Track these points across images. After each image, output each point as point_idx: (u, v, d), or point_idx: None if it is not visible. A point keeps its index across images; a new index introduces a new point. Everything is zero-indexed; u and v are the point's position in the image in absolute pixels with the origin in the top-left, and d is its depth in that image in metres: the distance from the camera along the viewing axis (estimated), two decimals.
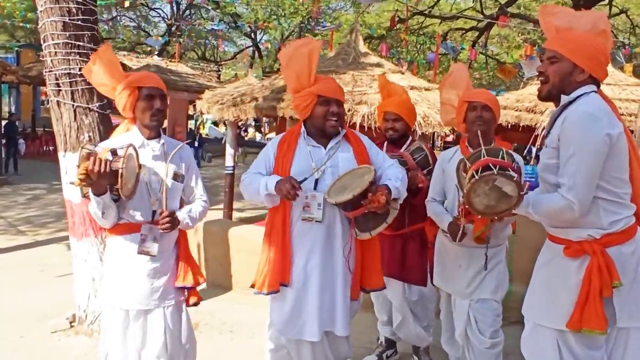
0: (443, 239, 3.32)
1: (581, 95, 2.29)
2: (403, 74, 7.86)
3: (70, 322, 4.53)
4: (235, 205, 9.01)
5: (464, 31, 18.73)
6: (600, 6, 14.94)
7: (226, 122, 7.81)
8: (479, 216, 2.27)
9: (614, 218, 2.26)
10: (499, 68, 14.12)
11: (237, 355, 4.20)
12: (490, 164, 2.23)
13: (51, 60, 4.24)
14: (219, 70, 29.67)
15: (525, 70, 11.51)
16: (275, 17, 25.83)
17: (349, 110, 6.43)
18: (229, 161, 8.13)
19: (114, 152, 2.56)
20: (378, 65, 7.74)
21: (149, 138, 2.85)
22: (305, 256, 2.84)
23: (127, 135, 2.86)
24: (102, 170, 2.47)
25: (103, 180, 2.53)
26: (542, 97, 2.40)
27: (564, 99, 2.31)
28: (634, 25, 17.39)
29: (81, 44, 4.26)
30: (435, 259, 3.45)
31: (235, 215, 8.78)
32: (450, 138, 8.38)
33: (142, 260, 2.79)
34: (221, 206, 8.62)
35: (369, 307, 4.09)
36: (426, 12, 16.86)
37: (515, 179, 2.18)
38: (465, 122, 3.23)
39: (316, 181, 2.85)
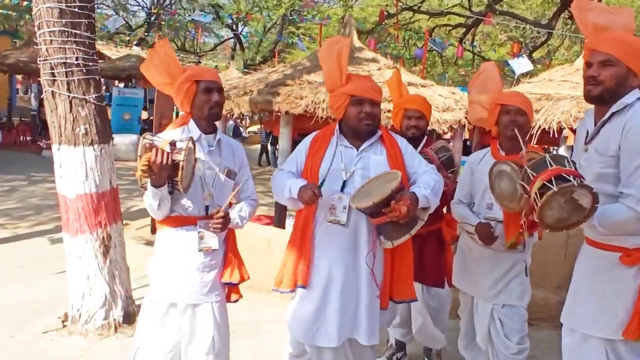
0: (468, 240, 3.25)
1: (634, 101, 2.25)
2: (398, 69, 7.79)
3: (63, 322, 4.36)
4: None
5: (450, 28, 18.76)
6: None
7: None
8: (547, 230, 2.14)
9: None
10: None
11: (240, 356, 4.09)
12: (563, 174, 2.10)
13: (46, 49, 4.05)
14: (199, 62, 29.35)
15: (515, 68, 11.54)
16: (257, 8, 25.56)
17: None
18: None
19: (172, 144, 2.54)
20: (373, 60, 7.66)
21: (205, 132, 2.82)
22: (329, 259, 2.77)
23: (183, 129, 2.83)
24: (165, 162, 2.45)
25: (164, 172, 2.51)
26: (592, 97, 2.32)
27: (618, 104, 2.26)
28: None
29: (78, 32, 4.08)
30: (457, 260, 3.39)
31: None
32: (448, 136, 8.32)
33: (193, 253, 2.77)
34: None
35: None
36: (415, 7, 16.81)
37: (593, 190, 2.06)
38: (498, 124, 3.15)
39: (344, 183, 2.76)
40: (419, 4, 17.02)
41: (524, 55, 11.75)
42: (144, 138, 2.55)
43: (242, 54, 31.25)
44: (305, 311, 2.79)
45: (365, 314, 2.76)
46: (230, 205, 2.85)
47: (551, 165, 2.13)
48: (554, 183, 2.06)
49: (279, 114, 6.48)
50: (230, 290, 2.94)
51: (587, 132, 2.41)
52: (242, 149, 3.02)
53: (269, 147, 17.69)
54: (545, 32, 16.31)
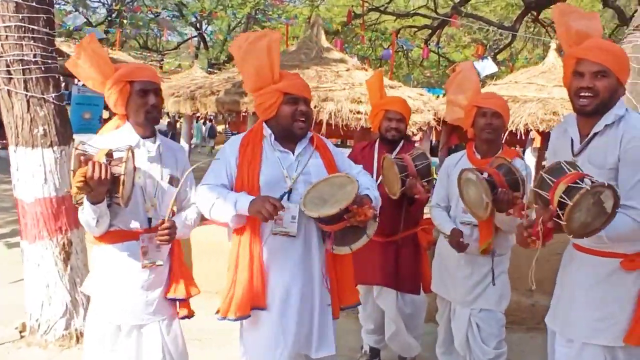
0: (445, 244, 3.20)
1: (625, 112, 2.25)
2: (367, 70, 7.77)
3: (20, 332, 4.15)
4: None
5: (416, 29, 18.87)
6: (551, 8, 15.35)
7: (170, 115, 7.49)
8: (570, 235, 2.06)
9: None
10: (451, 67, 14.26)
11: None
12: (586, 178, 2.03)
13: (1, 45, 3.83)
14: (162, 61, 28.79)
15: (479, 70, 11.66)
16: (222, 7, 25.25)
17: (315, 107, 6.27)
18: None
19: (109, 155, 2.29)
20: (342, 61, 7.62)
21: (144, 137, 2.58)
22: (283, 275, 2.55)
23: (119, 134, 2.57)
24: (103, 177, 2.20)
25: (102, 188, 2.26)
26: (588, 112, 2.25)
27: (610, 116, 2.24)
28: None
29: (36, 27, 3.87)
30: (435, 264, 3.34)
31: None
32: (417, 137, 8.35)
33: (136, 270, 2.54)
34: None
35: (351, 312, 3.93)
36: (381, 8, 16.84)
37: (617, 192, 2.00)
38: (474, 126, 3.10)
39: (289, 191, 2.56)
40: (385, 5, 17.06)
41: (489, 57, 11.91)
42: (76, 149, 2.28)
43: (207, 53, 30.84)
44: (264, 336, 2.56)
45: (319, 327, 2.60)
46: (173, 213, 2.64)
47: (569, 170, 2.07)
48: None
49: (245, 114, 6.38)
50: (180, 306, 2.72)
51: (572, 141, 2.37)
52: (184, 152, 2.77)
53: None
54: (509, 35, 16.57)
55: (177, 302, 2.72)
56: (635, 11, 8.37)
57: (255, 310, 2.53)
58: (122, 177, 2.25)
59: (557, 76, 8.66)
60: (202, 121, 21.43)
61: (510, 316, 4.47)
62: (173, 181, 2.63)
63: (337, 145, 7.83)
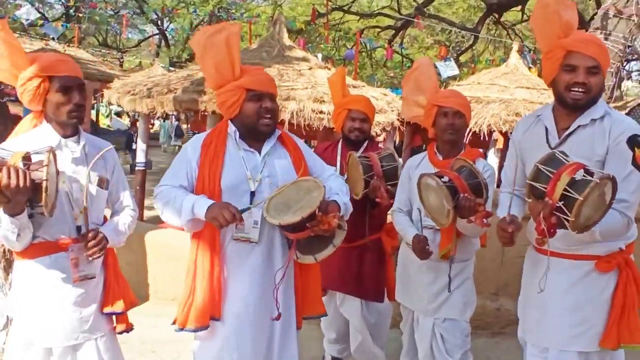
0: (407, 251, 3.05)
1: (608, 107, 2.25)
2: (329, 69, 7.64)
3: None
4: (147, 202, 8.39)
5: (379, 30, 18.86)
6: (512, 11, 15.60)
7: (129, 113, 7.24)
8: (574, 231, 1.94)
9: (633, 228, 2.26)
10: None
11: None
12: (584, 169, 1.93)
13: None
14: (122, 58, 28.13)
15: (441, 71, 11.70)
16: (184, 4, 24.78)
17: None
18: (140, 156, 7.54)
19: (26, 158, 2.02)
20: (304, 59, 7.45)
21: (65, 137, 2.32)
22: (242, 284, 2.40)
23: (37, 134, 2.30)
24: (22, 184, 1.93)
25: (22, 196, 1.98)
26: (579, 106, 2.22)
27: (596, 111, 2.22)
28: None
29: None
30: (398, 273, 3.19)
31: (147, 214, 8.19)
32: (381, 138, 8.26)
33: (67, 286, 2.31)
34: None
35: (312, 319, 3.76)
36: (345, 8, 16.76)
37: (617, 185, 1.92)
38: (435, 127, 2.97)
39: (252, 193, 2.40)
40: (349, 4, 17.00)
41: (452, 58, 11.95)
42: None
43: (168, 51, 30.28)
44: (216, 348, 2.41)
45: (281, 338, 2.46)
46: (105, 220, 2.45)
47: (566, 160, 1.96)
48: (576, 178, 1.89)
49: (205, 113, 6.16)
50: (118, 320, 2.50)
51: (547, 134, 2.32)
52: (112, 150, 2.49)
53: None
54: (471, 37, 16.71)
55: (114, 317, 2.50)
56: (595, 14, 8.53)
57: (212, 320, 2.38)
58: (44, 183, 1.99)
59: (519, 77, 8.73)
60: (169, 120, 20.97)
61: (475, 320, 4.37)
62: (103, 183, 2.41)
63: None
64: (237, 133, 2.45)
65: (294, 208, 2.25)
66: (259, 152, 2.45)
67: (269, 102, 2.41)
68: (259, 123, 2.40)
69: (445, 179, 2.54)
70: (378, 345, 3.46)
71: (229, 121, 2.49)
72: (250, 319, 2.40)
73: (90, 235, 2.25)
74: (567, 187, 1.87)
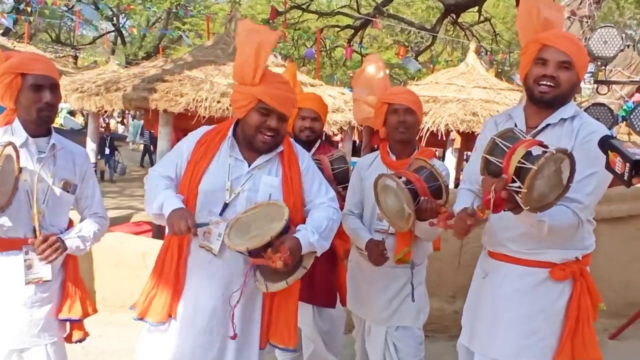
0: (358, 257, 2.92)
1: (579, 109, 2.20)
2: (293, 63, 7.51)
3: None
4: None
5: (339, 29, 18.82)
6: (469, 12, 15.78)
7: (83, 112, 6.99)
8: (526, 207, 1.81)
9: (592, 239, 2.19)
10: None
11: None
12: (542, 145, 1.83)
13: None
14: (76, 56, 27.36)
15: (409, 67, 11.73)
16: (140, 1, 24.24)
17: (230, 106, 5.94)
18: (90, 157, 7.26)
19: None
20: None
21: (34, 135, 2.28)
22: (197, 291, 2.30)
23: (7, 131, 2.26)
24: None
25: None
26: (546, 100, 2.14)
27: (566, 110, 2.15)
28: (496, 33, 18.66)
29: None
30: (348, 279, 3.05)
31: None
32: (338, 138, 8.18)
33: (18, 286, 2.23)
34: None
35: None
36: (304, 6, 16.65)
37: (575, 164, 1.82)
38: (386, 125, 2.86)
39: (225, 205, 2.27)
40: (308, 3, 16.88)
41: (412, 58, 12.01)
42: None
43: (124, 48, 29.60)
44: (164, 347, 2.32)
45: (234, 358, 2.33)
46: (71, 224, 2.36)
47: (524, 136, 1.86)
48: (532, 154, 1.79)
49: (156, 111, 5.96)
50: (73, 327, 2.42)
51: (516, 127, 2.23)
52: (85, 155, 2.48)
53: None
54: (429, 37, 16.84)
55: (68, 324, 2.40)
56: None
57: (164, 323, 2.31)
58: None
59: (476, 77, 8.81)
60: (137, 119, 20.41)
61: (432, 324, 4.32)
62: (68, 187, 2.35)
63: None
64: (231, 139, 2.34)
65: (250, 235, 2.13)
66: (250, 163, 2.33)
67: (275, 121, 2.26)
68: (256, 138, 2.28)
69: (404, 179, 2.43)
70: (332, 352, 3.33)
71: (235, 122, 2.40)
72: (197, 329, 2.29)
73: (41, 238, 2.18)
74: (521, 160, 1.78)
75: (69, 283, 2.37)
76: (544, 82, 2.11)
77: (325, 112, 3.32)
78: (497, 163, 1.84)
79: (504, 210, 1.86)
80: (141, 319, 2.33)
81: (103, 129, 14.35)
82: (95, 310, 2.46)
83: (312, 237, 2.19)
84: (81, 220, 2.46)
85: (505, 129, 1.95)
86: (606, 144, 1.72)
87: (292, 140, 2.48)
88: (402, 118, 2.77)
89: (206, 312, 2.28)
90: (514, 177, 1.78)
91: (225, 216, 2.25)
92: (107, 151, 13.67)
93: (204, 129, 2.44)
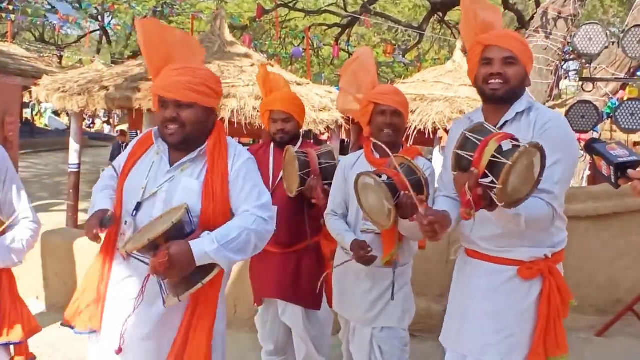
0: (343, 257, 2.86)
1: (534, 101, 2.22)
2: (272, 66, 7.48)
3: None
4: (81, 205, 8.00)
5: (326, 27, 18.77)
6: (456, 10, 15.79)
7: (68, 112, 6.90)
8: (501, 203, 1.76)
9: (562, 236, 2.19)
10: None
11: None
12: (512, 140, 1.80)
13: None
14: (61, 55, 27.04)
15: (399, 59, 11.72)
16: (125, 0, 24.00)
17: None
18: (73, 158, 7.16)
19: None
20: (246, 55, 7.27)
21: None
22: (120, 301, 2.13)
23: None
24: None
25: None
26: (498, 97, 2.16)
27: (521, 103, 2.18)
28: None
29: None
30: (334, 281, 3.00)
31: (82, 218, 7.81)
32: (325, 137, 8.14)
33: None
34: (64, 208, 7.62)
35: (251, 325, 3.58)
36: (290, 4, 16.57)
37: (545, 159, 1.80)
38: (371, 125, 2.81)
39: (138, 205, 2.11)
40: (294, 1, 16.80)
41: (398, 55, 12.00)
42: None
43: (110, 47, 29.30)
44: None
45: None
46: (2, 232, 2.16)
47: (494, 130, 1.83)
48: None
49: (140, 111, 5.89)
50: (17, 351, 2.23)
51: None
52: (3, 154, 2.21)
53: None
54: (417, 36, 16.86)
55: (12, 347, 2.23)
56: (535, 14, 8.66)
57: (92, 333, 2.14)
58: None
59: (463, 75, 8.78)
60: None
61: (419, 324, 4.28)
62: None
63: (248, 145, 7.43)
64: (158, 133, 2.20)
65: (139, 237, 1.97)
66: (172, 163, 2.15)
67: (171, 110, 2.05)
68: (164, 133, 2.11)
69: (384, 177, 2.39)
70: (322, 354, 3.29)
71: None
72: (119, 342, 2.10)
73: None
74: (495, 154, 1.74)
75: (6, 303, 2.18)
76: (493, 80, 2.15)
77: (298, 110, 3.20)
78: (469, 157, 1.80)
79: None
80: (67, 325, 2.15)
81: (117, 134, 13.04)
82: (38, 328, 2.28)
83: (209, 246, 1.92)
84: (5, 229, 2.21)
85: (476, 123, 1.95)
86: (591, 149, 1.70)
87: (230, 139, 2.27)
88: (389, 120, 2.73)
89: (130, 324, 2.09)
90: (485, 171, 1.74)
91: (138, 217, 2.09)
92: None
93: (146, 131, 2.33)
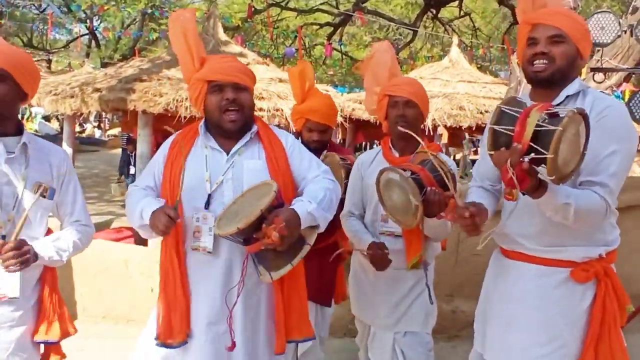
0: (361, 259, 2.75)
1: (586, 86, 2.02)
2: (268, 65, 7.35)
3: None
4: None
5: (318, 26, 18.65)
6: (449, 7, 15.76)
7: (59, 116, 6.74)
8: (552, 177, 1.59)
9: (615, 233, 2.01)
10: (354, 65, 14.14)
11: None
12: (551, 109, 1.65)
13: None
14: (50, 59, 26.80)
15: None
16: (114, 2, 23.76)
17: None
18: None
19: None
20: (241, 55, 7.13)
21: (3, 134, 2.07)
22: (203, 302, 2.15)
23: None
24: None
25: None
26: (543, 78, 1.98)
27: (573, 87, 1.99)
28: (475, 28, 18.68)
29: None
30: (351, 283, 2.89)
31: None
32: None
33: None
34: None
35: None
36: (282, 4, 16.45)
37: (590, 128, 1.65)
38: (387, 119, 2.69)
39: (209, 197, 2.13)
40: (286, 0, 16.67)
41: None
42: None
43: (99, 51, 29.05)
44: None
45: None
46: (49, 231, 2.16)
47: (527, 102, 1.71)
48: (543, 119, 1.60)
49: (135, 112, 5.75)
50: (49, 350, 2.20)
51: None
52: (64, 155, 2.25)
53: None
54: (409, 34, 16.77)
55: (43, 345, 2.18)
56: None
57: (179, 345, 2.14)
58: None
59: (461, 71, 8.72)
60: None
61: None
62: (45, 191, 2.12)
63: None
64: (203, 129, 2.24)
65: (239, 217, 1.95)
66: (228, 152, 2.20)
67: (231, 92, 2.14)
68: (222, 119, 2.16)
69: (408, 173, 2.25)
70: (323, 349, 3.20)
71: (204, 119, 2.28)
72: (209, 343, 2.14)
73: (11, 244, 1.91)
74: (539, 124, 1.59)
75: (47, 300, 2.15)
76: (537, 61, 1.98)
77: (334, 119, 3.16)
78: (508, 132, 1.65)
79: (523, 194, 1.69)
80: (162, 344, 2.13)
81: (124, 144, 12.59)
82: (75, 330, 2.26)
83: (309, 206, 2.04)
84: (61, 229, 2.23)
85: (509, 97, 1.80)
86: None
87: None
88: (402, 111, 2.60)
89: (218, 323, 2.14)
90: (531, 144, 1.58)
91: (211, 209, 2.10)
92: (132, 170, 11.17)
93: (177, 133, 2.33)
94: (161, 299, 2.19)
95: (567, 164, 1.61)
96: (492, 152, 1.70)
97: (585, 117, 1.63)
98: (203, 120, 2.28)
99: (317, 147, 3.06)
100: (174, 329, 2.13)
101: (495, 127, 1.68)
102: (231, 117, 2.15)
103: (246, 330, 2.16)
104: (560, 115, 1.59)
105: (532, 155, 1.58)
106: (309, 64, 3.32)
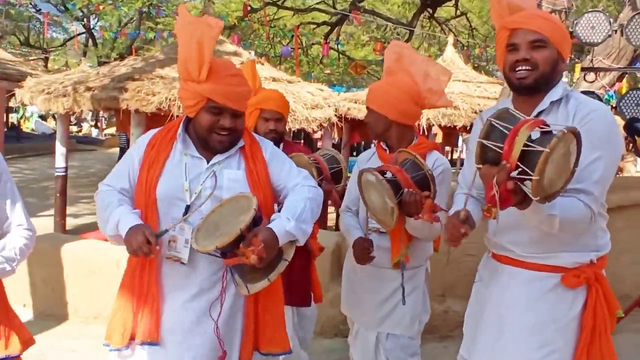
0: (351, 256, 2.74)
1: (570, 90, 1.99)
2: (262, 64, 7.34)
3: None
4: (69, 210, 7.83)
5: (315, 26, 18.64)
6: (445, 6, 15.76)
7: (56, 115, 6.73)
8: (536, 197, 1.58)
9: (606, 238, 1.98)
10: (350, 64, 14.18)
11: None
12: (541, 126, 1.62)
13: None
14: (47, 58, 26.74)
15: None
16: (110, 0, 23.71)
17: None
18: (59, 161, 6.98)
19: None
20: (235, 54, 7.13)
21: None
22: (177, 311, 2.09)
23: None
24: None
25: None
26: (526, 86, 1.94)
27: (555, 92, 1.96)
28: (472, 28, 18.66)
29: None
30: (344, 281, 2.90)
31: (70, 222, 7.64)
32: (318, 135, 8.01)
33: None
34: (51, 212, 7.44)
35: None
36: (279, 3, 16.42)
37: (581, 146, 1.62)
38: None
39: (187, 207, 2.07)
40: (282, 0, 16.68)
41: None
42: None
43: (96, 50, 29.00)
44: None
45: None
46: None
47: (522, 117, 1.64)
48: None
49: (127, 111, 5.73)
50: None
51: None
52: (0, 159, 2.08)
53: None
54: (406, 33, 16.76)
55: None
56: None
57: (148, 345, 2.07)
58: None
59: (456, 71, 8.69)
60: None
61: None
62: None
63: None
64: (182, 134, 2.14)
65: (218, 233, 1.93)
66: (208, 160, 2.13)
67: (229, 119, 2.06)
68: (211, 138, 2.09)
69: (389, 174, 2.25)
70: (303, 347, 3.19)
71: (185, 119, 2.19)
72: (178, 350, 2.08)
73: None
74: (527, 142, 1.56)
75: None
76: (519, 68, 1.93)
77: (288, 110, 3.17)
78: (496, 149, 1.61)
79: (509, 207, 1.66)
80: (107, 344, 2.10)
81: (124, 144, 12.56)
82: (33, 340, 2.19)
83: (287, 224, 1.99)
84: (1, 236, 2.10)
85: (502, 109, 1.73)
86: (633, 129, 1.55)
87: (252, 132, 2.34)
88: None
89: (193, 331, 2.08)
90: (518, 163, 1.55)
91: (189, 220, 2.04)
92: None
93: (153, 131, 2.22)
94: (119, 300, 2.14)
95: (553, 184, 1.59)
96: (479, 166, 1.68)
97: (577, 135, 1.60)
98: (182, 123, 2.19)
99: (275, 138, 3.02)
100: (123, 331, 2.08)
101: (484, 141, 1.65)
102: (221, 139, 2.09)
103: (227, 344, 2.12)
104: (553, 133, 1.57)
105: (519, 171, 1.56)
106: (254, 62, 3.37)
